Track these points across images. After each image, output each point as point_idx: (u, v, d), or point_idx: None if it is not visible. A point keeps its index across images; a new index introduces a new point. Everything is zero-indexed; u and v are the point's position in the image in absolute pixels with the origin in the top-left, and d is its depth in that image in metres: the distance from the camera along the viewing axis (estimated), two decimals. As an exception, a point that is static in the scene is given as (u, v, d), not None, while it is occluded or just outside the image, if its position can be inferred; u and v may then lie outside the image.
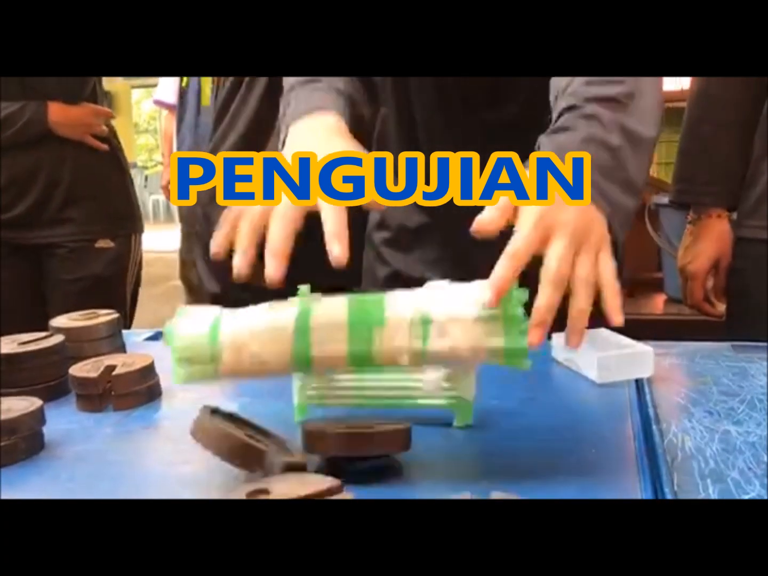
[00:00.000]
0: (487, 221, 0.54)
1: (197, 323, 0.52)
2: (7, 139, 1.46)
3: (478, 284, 0.52)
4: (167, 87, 3.17)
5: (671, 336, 0.90)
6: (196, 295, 3.42)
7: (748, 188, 1.08)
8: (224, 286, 1.34)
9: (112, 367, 0.70)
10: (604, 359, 0.73)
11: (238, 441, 0.49)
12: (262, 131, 1.20)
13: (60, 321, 0.82)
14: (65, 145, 1.51)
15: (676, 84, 1.98)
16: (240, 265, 0.54)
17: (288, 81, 0.78)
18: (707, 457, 0.56)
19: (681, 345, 0.86)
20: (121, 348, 0.83)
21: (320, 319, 0.51)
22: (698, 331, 1.24)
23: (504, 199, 0.55)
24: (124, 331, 0.86)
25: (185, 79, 2.92)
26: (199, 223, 1.43)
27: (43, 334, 0.76)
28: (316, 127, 0.64)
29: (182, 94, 3.01)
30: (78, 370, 0.71)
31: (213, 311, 0.53)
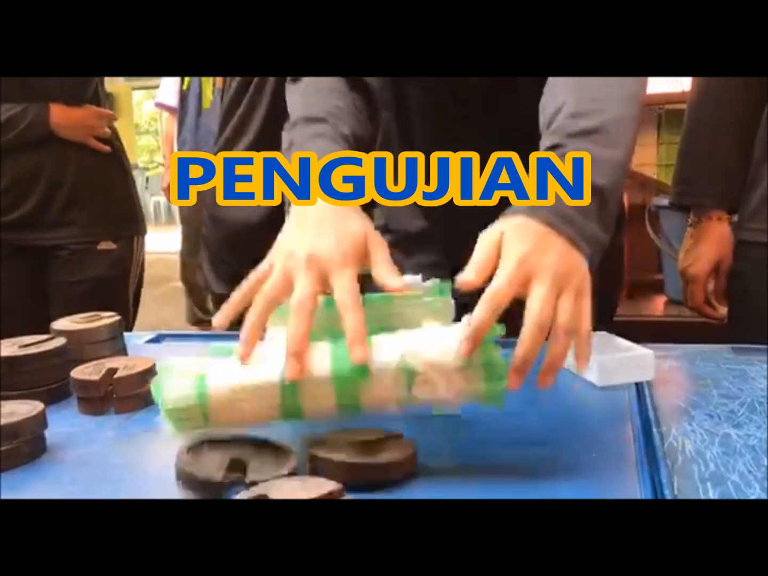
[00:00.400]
0: (469, 280, 0.54)
1: (184, 383, 0.53)
2: (10, 141, 1.45)
3: (459, 327, 0.54)
4: (168, 90, 3.18)
5: (671, 338, 0.90)
6: (196, 296, 3.43)
7: (749, 191, 1.07)
8: (231, 289, 1.35)
9: (114, 370, 0.71)
10: (605, 362, 0.73)
11: (193, 478, 0.50)
12: (274, 136, 1.19)
13: (61, 323, 0.82)
14: (68, 147, 1.50)
15: (677, 86, 1.98)
16: (243, 354, 0.54)
17: (291, 113, 0.76)
18: (707, 460, 0.56)
19: (681, 347, 0.86)
20: (123, 351, 0.84)
21: (306, 375, 0.52)
22: (698, 333, 1.24)
23: (483, 252, 0.55)
24: (126, 334, 0.86)
25: (186, 82, 2.92)
26: (205, 226, 1.43)
27: (44, 336, 0.76)
28: (320, 214, 0.62)
29: (183, 96, 3.02)
30: (79, 372, 0.71)
31: (198, 365, 0.54)
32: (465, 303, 0.84)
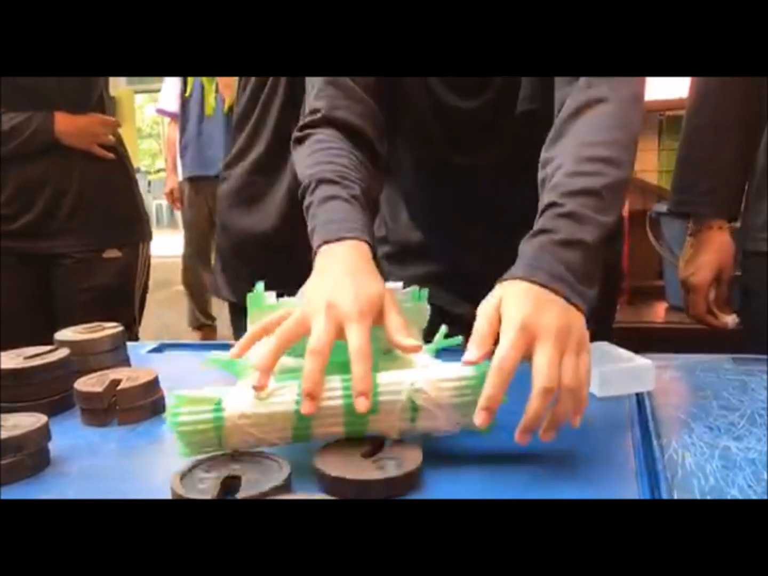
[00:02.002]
0: (474, 359, 0.57)
1: (200, 408, 0.55)
2: (14, 149, 1.46)
3: (458, 365, 0.58)
4: (169, 96, 3.19)
5: (673, 345, 0.89)
6: (198, 300, 3.44)
7: (758, 200, 1.06)
8: (238, 296, 1.36)
9: (117, 382, 0.71)
10: (606, 373, 0.73)
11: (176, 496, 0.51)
12: (283, 145, 1.20)
13: (65, 334, 0.82)
14: (72, 155, 1.50)
15: (678, 92, 1.99)
16: (260, 384, 0.56)
17: (301, 175, 0.79)
18: (707, 473, 0.56)
19: (681, 357, 0.86)
20: (126, 361, 0.84)
21: (318, 406, 0.55)
22: (700, 340, 1.23)
23: (483, 325, 0.58)
24: (128, 344, 0.86)
25: (188, 89, 2.93)
26: (217, 234, 1.44)
27: (47, 348, 0.77)
28: (342, 273, 0.65)
29: (184, 103, 3.03)
30: (83, 384, 0.71)
31: (212, 394, 0.56)
32: (459, 314, 0.85)
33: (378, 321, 0.62)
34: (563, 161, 0.69)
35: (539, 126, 0.76)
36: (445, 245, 0.99)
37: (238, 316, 1.39)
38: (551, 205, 0.66)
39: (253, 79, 1.34)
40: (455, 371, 0.58)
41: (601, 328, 0.95)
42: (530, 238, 0.65)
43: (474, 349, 0.57)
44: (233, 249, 1.37)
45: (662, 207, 1.71)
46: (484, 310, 0.59)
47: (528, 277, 0.60)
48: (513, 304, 0.58)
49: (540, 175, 0.71)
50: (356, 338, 0.58)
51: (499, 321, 0.58)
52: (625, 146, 0.71)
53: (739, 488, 0.54)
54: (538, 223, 0.65)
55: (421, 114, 0.88)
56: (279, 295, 0.71)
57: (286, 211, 1.26)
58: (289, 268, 1.14)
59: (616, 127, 0.71)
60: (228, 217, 1.37)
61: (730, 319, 1.16)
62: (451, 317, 0.70)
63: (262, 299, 0.71)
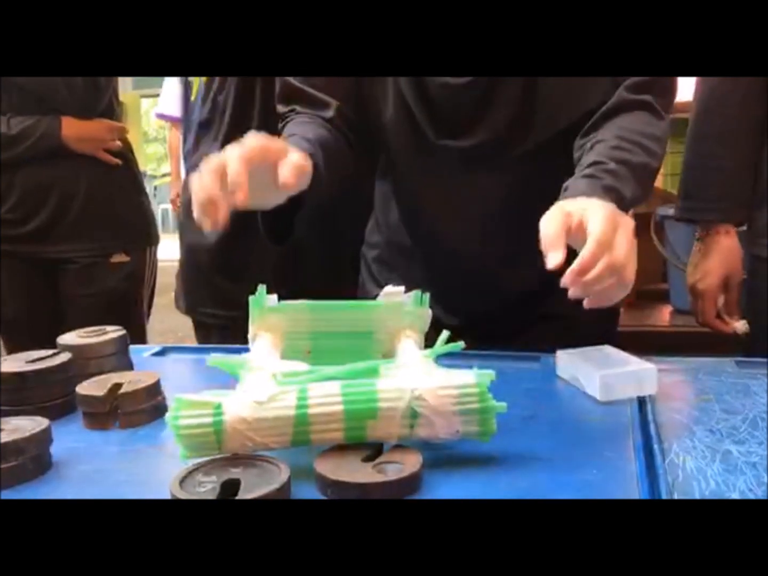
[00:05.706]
0: (558, 261, 0.60)
1: (201, 412, 0.55)
2: (22, 153, 1.46)
3: (460, 372, 0.59)
4: (169, 100, 3.17)
5: (678, 348, 0.89)
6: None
7: (762, 205, 1.06)
8: (188, 309, 1.33)
9: (119, 385, 0.71)
10: (607, 377, 0.73)
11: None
12: None
13: (67, 338, 0.83)
14: (80, 160, 1.51)
15: (682, 95, 1.98)
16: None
17: None
18: (708, 477, 0.56)
19: (684, 360, 0.86)
20: (128, 365, 0.84)
21: (318, 412, 0.56)
22: (705, 343, 1.23)
23: (552, 228, 0.61)
24: (131, 347, 0.86)
25: (194, 92, 2.93)
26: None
27: (50, 351, 0.77)
28: None
29: (187, 107, 3.02)
30: (85, 388, 0.71)
31: (213, 398, 0.56)
32: (455, 326, 0.85)
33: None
34: (604, 138, 0.78)
35: (528, 113, 0.81)
36: (430, 249, 0.98)
37: (199, 329, 1.35)
38: (596, 163, 0.74)
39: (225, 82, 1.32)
40: (456, 379, 0.58)
41: (605, 331, 0.94)
42: (575, 178, 0.72)
43: (553, 252, 0.60)
44: (182, 263, 1.35)
45: (667, 210, 1.70)
46: (551, 216, 0.62)
47: (587, 193, 0.68)
48: (587, 203, 0.64)
49: (576, 152, 0.79)
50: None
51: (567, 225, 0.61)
52: (658, 141, 0.80)
53: (740, 492, 0.53)
54: (583, 171, 0.72)
55: (406, 99, 0.88)
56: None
57: (230, 231, 1.24)
58: (231, 286, 1.14)
59: (651, 125, 0.81)
60: (181, 227, 1.36)
61: (740, 325, 1.14)
62: (437, 321, 0.71)
63: (263, 302, 0.71)
